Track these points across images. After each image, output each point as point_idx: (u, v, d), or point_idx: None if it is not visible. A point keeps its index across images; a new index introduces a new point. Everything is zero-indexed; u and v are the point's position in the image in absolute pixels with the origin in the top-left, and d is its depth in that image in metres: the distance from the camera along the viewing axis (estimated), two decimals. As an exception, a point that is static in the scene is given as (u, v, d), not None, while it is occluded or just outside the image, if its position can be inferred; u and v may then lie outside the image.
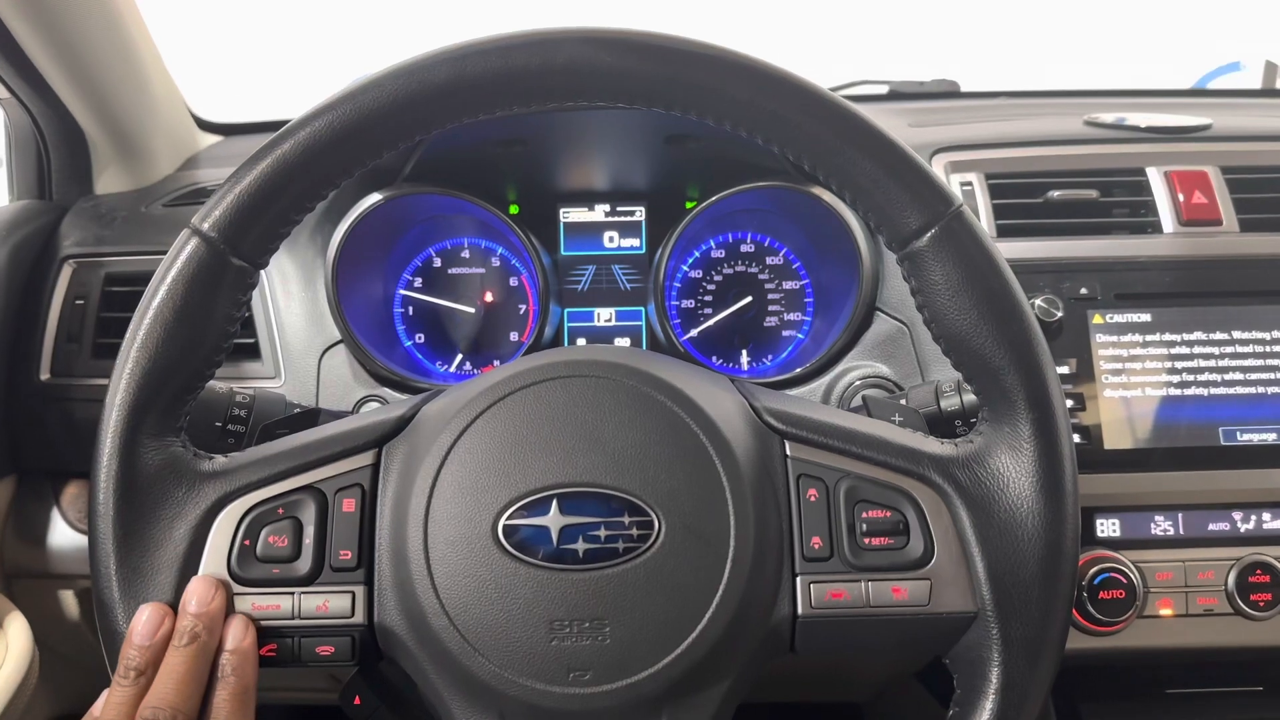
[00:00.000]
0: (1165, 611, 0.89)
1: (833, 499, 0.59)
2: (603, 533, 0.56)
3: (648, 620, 0.55)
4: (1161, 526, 0.90)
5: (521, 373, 0.60)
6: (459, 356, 1.09)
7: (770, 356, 1.09)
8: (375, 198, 0.98)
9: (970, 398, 0.76)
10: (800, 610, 0.58)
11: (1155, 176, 0.98)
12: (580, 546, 0.56)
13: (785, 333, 1.09)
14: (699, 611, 0.56)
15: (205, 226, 0.57)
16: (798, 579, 0.58)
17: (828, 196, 0.97)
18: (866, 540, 0.59)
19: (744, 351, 1.09)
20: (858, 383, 0.94)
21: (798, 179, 0.98)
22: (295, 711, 1.41)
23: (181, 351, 0.58)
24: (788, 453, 0.60)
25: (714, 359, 1.09)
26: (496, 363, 1.09)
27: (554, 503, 0.56)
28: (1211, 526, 0.90)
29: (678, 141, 1.00)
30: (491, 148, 1.00)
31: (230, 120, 1.37)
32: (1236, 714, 1.00)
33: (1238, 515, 0.90)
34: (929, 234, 0.57)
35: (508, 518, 0.56)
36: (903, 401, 0.76)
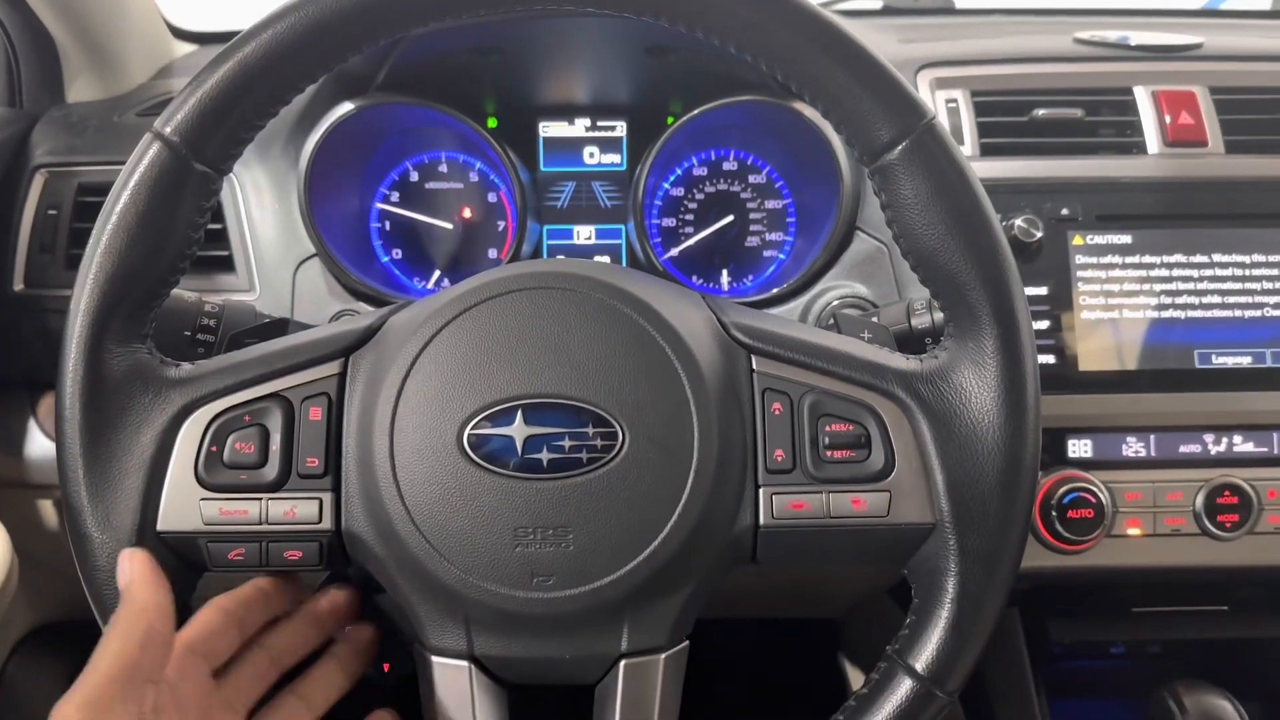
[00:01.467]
0: (1133, 531, 0.90)
1: (796, 412, 0.59)
2: (567, 443, 0.56)
3: (610, 528, 0.56)
4: (1134, 448, 0.91)
5: (488, 284, 0.59)
6: (437, 273, 1.08)
7: (751, 276, 1.08)
8: (347, 107, 0.96)
9: (940, 315, 0.76)
10: (762, 520, 0.59)
11: (1142, 96, 0.97)
12: (545, 456, 0.56)
13: (767, 253, 1.08)
14: (661, 520, 0.56)
15: (167, 131, 0.56)
16: (760, 490, 0.59)
17: (809, 112, 0.96)
18: (828, 453, 0.59)
19: (725, 271, 1.08)
20: (835, 302, 0.93)
21: (780, 94, 0.97)
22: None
23: (145, 257, 0.57)
24: (754, 367, 0.60)
25: (694, 278, 1.08)
26: (475, 279, 1.08)
27: (519, 413, 0.57)
28: (1183, 448, 0.91)
29: (658, 53, 0.98)
30: (466, 56, 0.98)
31: (206, 29, 1.34)
32: (1200, 632, 1.02)
33: (1209, 437, 0.91)
34: (900, 146, 0.57)
35: (473, 427, 0.57)
36: (874, 319, 0.76)
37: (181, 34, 1.29)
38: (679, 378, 0.57)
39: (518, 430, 0.56)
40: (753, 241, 1.08)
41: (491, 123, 1.05)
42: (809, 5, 0.56)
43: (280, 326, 0.72)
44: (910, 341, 0.76)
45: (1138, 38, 1.02)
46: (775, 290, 0.98)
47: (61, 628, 1.17)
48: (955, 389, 0.58)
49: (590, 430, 0.56)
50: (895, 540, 0.59)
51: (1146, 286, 0.92)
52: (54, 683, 1.15)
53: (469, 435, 0.57)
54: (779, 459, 0.59)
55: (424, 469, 0.57)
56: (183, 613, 0.59)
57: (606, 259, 1.09)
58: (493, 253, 1.08)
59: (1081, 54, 1.02)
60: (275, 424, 0.59)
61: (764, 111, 0.99)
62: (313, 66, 0.58)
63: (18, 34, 1.06)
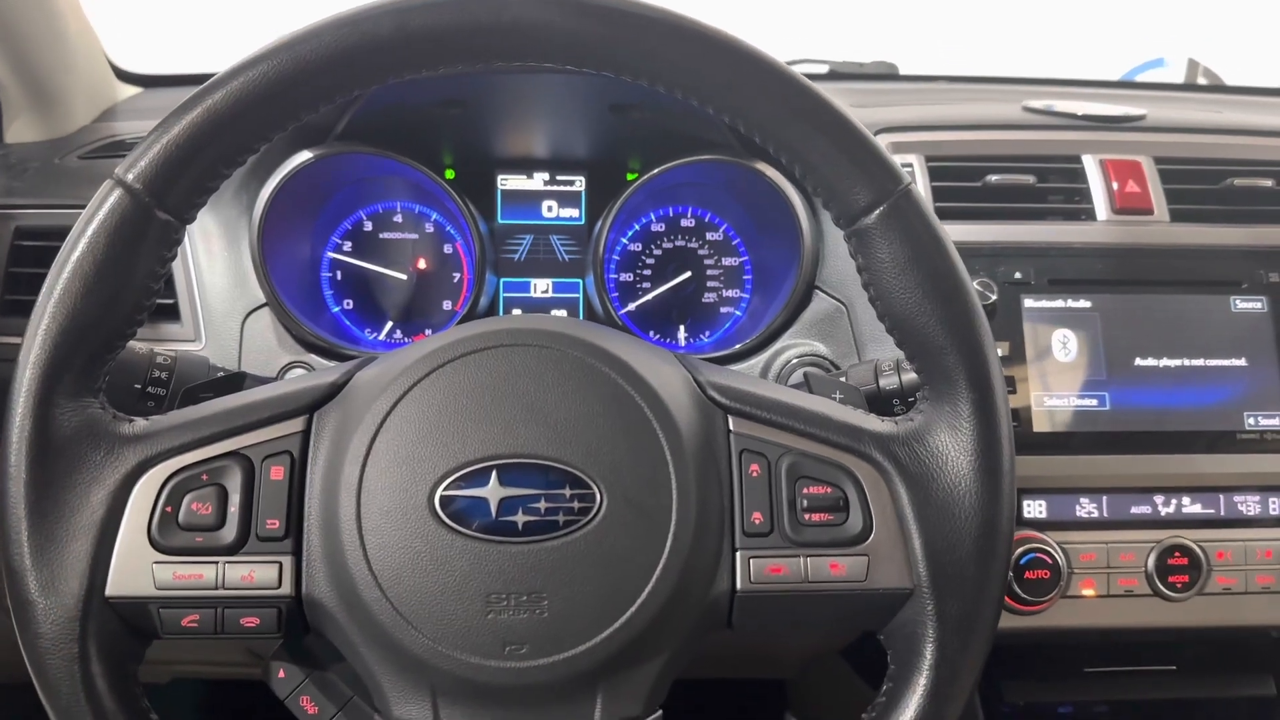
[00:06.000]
0: (1088, 592, 0.91)
1: (774, 474, 0.59)
2: (543, 505, 0.55)
3: (586, 594, 0.54)
4: (1086, 508, 0.92)
5: (461, 340, 0.58)
6: (389, 324, 1.06)
7: (708, 333, 1.08)
8: (305, 155, 0.94)
9: (909, 377, 0.76)
10: (739, 585, 0.58)
11: (1091, 164, 0.99)
12: (520, 519, 0.54)
13: (723, 309, 1.09)
14: (638, 586, 0.55)
15: (130, 177, 0.54)
16: (737, 554, 0.58)
17: (770, 172, 0.97)
18: (807, 516, 0.58)
19: (681, 327, 1.08)
20: (794, 360, 0.94)
21: (741, 154, 0.97)
22: (214, 685, 1.37)
23: (101, 308, 0.55)
24: (731, 428, 0.60)
25: (651, 334, 1.07)
26: (428, 331, 1.06)
27: (493, 473, 0.55)
28: (1134, 509, 0.92)
29: (621, 110, 0.98)
30: (428, 108, 0.97)
31: (151, 72, 1.31)
32: (1150, 692, 1.03)
33: (1159, 499, 0.93)
34: (877, 211, 0.57)
35: (445, 488, 0.55)
36: (843, 379, 0.76)
37: (126, 76, 1.27)
38: (657, 438, 0.56)
39: (492, 491, 0.55)
40: (709, 298, 1.08)
41: (450, 174, 1.04)
42: (787, 69, 0.57)
43: (236, 381, 0.69)
44: (877, 402, 0.76)
45: (1084, 108, 1.06)
46: (735, 347, 0.98)
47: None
48: (931, 452, 0.58)
49: (567, 491, 0.55)
50: (872, 605, 0.58)
51: (1096, 350, 0.94)
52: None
53: (440, 496, 0.55)
54: (757, 522, 0.58)
55: (392, 532, 0.55)
56: (126, 683, 0.56)
57: (564, 313, 1.08)
58: (447, 304, 1.07)
59: (1032, 122, 1.05)
60: (234, 484, 0.57)
61: (724, 170, 0.99)
62: (283, 117, 0.56)
63: (-43, 73, 1.03)
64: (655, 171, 0.98)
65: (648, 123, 1.00)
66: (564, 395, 0.57)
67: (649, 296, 1.07)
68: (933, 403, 0.59)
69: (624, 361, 0.58)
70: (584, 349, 0.58)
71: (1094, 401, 0.93)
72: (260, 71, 0.54)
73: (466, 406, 0.56)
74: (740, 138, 0.98)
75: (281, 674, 0.63)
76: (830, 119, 0.57)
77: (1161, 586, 0.91)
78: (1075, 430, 0.92)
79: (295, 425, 0.58)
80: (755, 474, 0.59)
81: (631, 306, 1.07)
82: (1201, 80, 1.64)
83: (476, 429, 0.56)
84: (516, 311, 1.07)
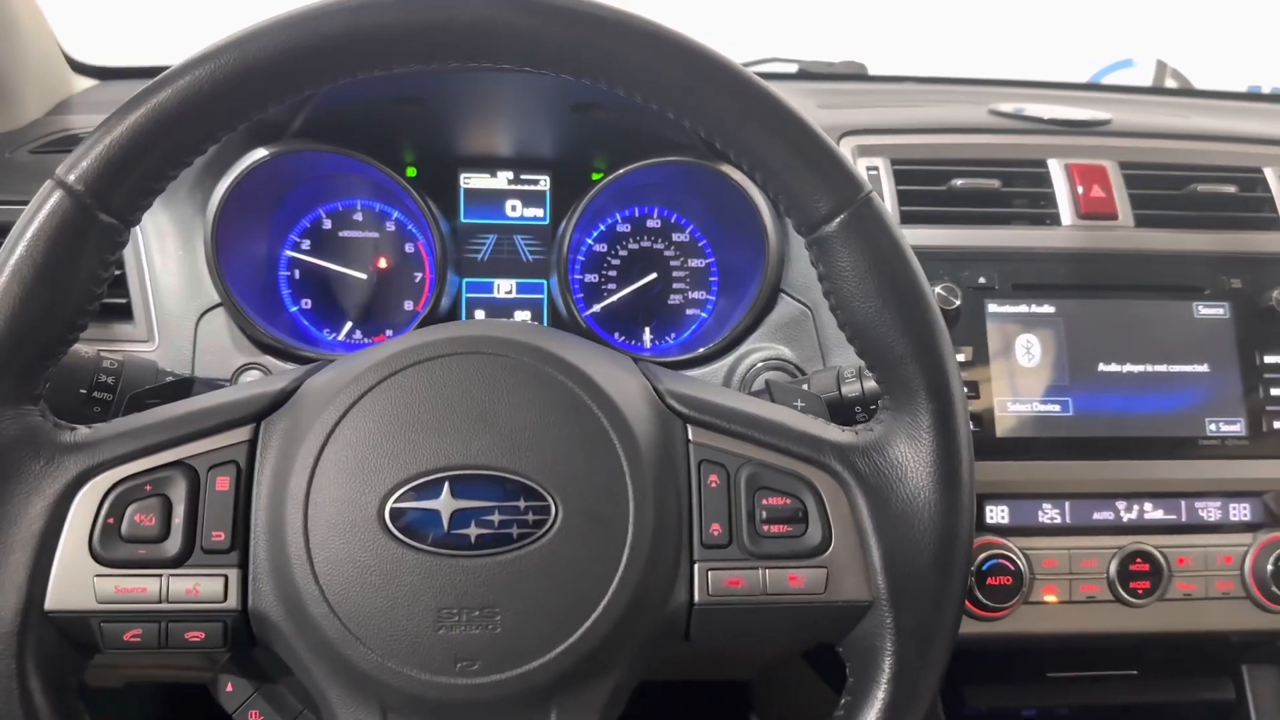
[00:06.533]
0: (1050, 598, 0.91)
1: (733, 485, 0.58)
2: (496, 517, 0.54)
3: (541, 609, 0.53)
4: (1049, 514, 0.92)
5: (414, 348, 0.57)
6: (349, 325, 1.04)
7: (673, 335, 1.07)
8: (260, 153, 0.92)
9: (871, 384, 0.75)
10: (697, 598, 0.57)
11: (1056, 169, 0.99)
12: (472, 532, 0.53)
13: (689, 311, 1.08)
14: (594, 600, 0.54)
15: (71, 179, 0.52)
16: (695, 566, 0.57)
17: (736, 175, 0.96)
18: (765, 528, 0.57)
19: (647, 329, 1.07)
20: (759, 364, 0.93)
21: (706, 155, 0.96)
22: (165, 690, 1.35)
23: (41, 313, 0.53)
24: (690, 437, 0.59)
25: (616, 335, 1.06)
26: (389, 332, 1.04)
27: (445, 485, 0.54)
28: (1096, 515, 0.92)
29: (584, 109, 0.97)
30: (387, 105, 0.96)
31: (107, 64, 1.28)
32: (1112, 697, 1.03)
33: (1121, 505, 0.93)
34: (838, 219, 0.56)
35: (395, 500, 0.53)
36: (804, 386, 0.75)
37: (80, 68, 1.24)
38: (614, 448, 0.55)
39: (444, 504, 0.53)
40: (675, 300, 1.07)
41: (411, 172, 1.03)
42: (747, 74, 0.56)
43: (185, 386, 0.68)
44: (840, 409, 0.76)
45: (1050, 111, 1.06)
46: (700, 350, 0.97)
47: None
48: (891, 463, 0.58)
49: (522, 504, 0.54)
50: (831, 618, 0.58)
51: (1059, 355, 0.93)
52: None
53: (390, 508, 0.53)
54: (715, 533, 0.57)
55: (340, 544, 0.53)
56: (66, 698, 0.54)
57: (528, 314, 1.07)
58: (408, 304, 1.05)
59: (998, 125, 1.04)
60: (179, 494, 0.55)
61: (689, 172, 0.98)
62: (231, 116, 0.54)
63: (-99, 62, 0.99)
64: (620, 172, 0.97)
65: (612, 122, 0.99)
66: (519, 404, 0.55)
67: (614, 298, 1.06)
68: (893, 413, 0.59)
69: (580, 369, 0.57)
70: (539, 356, 0.57)
71: (1057, 407, 0.93)
72: (207, 70, 0.53)
73: (418, 416, 0.55)
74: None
75: (230, 688, 0.62)
76: (790, 124, 0.56)
77: (1123, 592, 0.91)
78: (1038, 435, 0.92)
79: (241, 434, 0.57)
80: (714, 485, 0.58)
81: (597, 308, 1.06)
82: (1170, 83, 1.65)
83: (428, 439, 0.54)
84: (479, 312, 1.06)
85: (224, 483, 0.56)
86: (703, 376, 0.95)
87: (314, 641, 0.54)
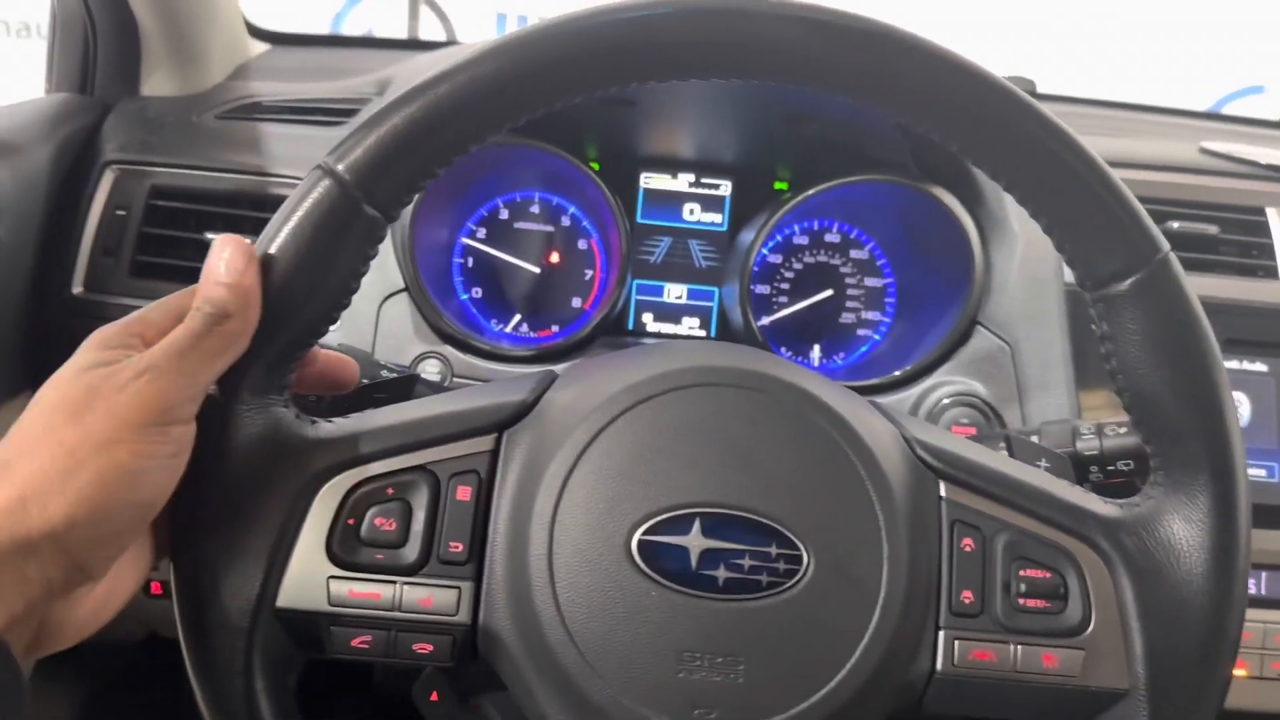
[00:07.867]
0: (1240, 672, 0.86)
1: (989, 551, 0.54)
2: (747, 562, 0.51)
3: (786, 662, 0.50)
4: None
5: (669, 373, 0.54)
6: (517, 317, 1.02)
7: (842, 355, 1.04)
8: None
9: (1111, 443, 0.71)
10: (940, 667, 0.53)
11: (1275, 218, 0.93)
12: (721, 574, 0.51)
13: (860, 331, 1.04)
14: (840, 659, 0.51)
15: (340, 167, 0.50)
16: (940, 633, 0.54)
17: (947, 199, 0.91)
18: (1022, 600, 0.54)
19: (816, 347, 1.04)
20: (947, 400, 0.89)
21: (918, 177, 0.92)
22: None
23: (300, 301, 0.51)
24: (942, 494, 0.55)
25: (784, 351, 1.03)
26: (555, 327, 1.03)
27: (696, 522, 0.51)
28: (1293, 589, 0.87)
29: (795, 122, 0.93)
30: (597, 105, 0.93)
31: (277, 29, 1.28)
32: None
33: (1323, 581, 0.87)
34: (1131, 279, 0.52)
35: (644, 532, 0.51)
36: (1034, 438, 0.71)
37: (257, 32, 1.23)
38: (870, 499, 0.52)
39: (694, 541, 0.51)
40: (848, 319, 1.04)
41: (594, 167, 1.00)
42: (1049, 117, 0.52)
43: (409, 384, 0.66)
44: (1073, 467, 0.71)
45: (1267, 156, 1.00)
46: (879, 377, 0.93)
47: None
48: (1162, 544, 0.54)
49: (774, 550, 0.51)
50: (1081, 704, 0.54)
51: (1270, 418, 0.88)
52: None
53: (639, 540, 0.51)
54: (966, 601, 0.54)
55: (585, 572, 0.51)
56: (285, 699, 0.53)
57: (696, 321, 1.04)
58: (576, 301, 1.03)
59: (1210, 166, 0.99)
60: (420, 500, 0.53)
61: (894, 192, 0.94)
62: (506, 115, 0.52)
63: (101, 13, 0.99)
64: (824, 185, 0.92)
65: (814, 135, 0.95)
66: (776, 446, 0.53)
67: (785, 311, 1.03)
68: (1167, 489, 0.55)
69: (838, 413, 0.54)
70: (799, 396, 0.54)
71: (1263, 472, 0.88)
72: (489, 69, 0.50)
73: (671, 447, 0.52)
74: (920, 161, 0.93)
75: (434, 697, 0.60)
76: (1089, 171, 0.52)
77: (1318, 674, 0.86)
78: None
79: (484, 444, 0.55)
80: (968, 549, 0.54)
81: (766, 321, 1.03)
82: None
83: (681, 472, 0.52)
84: (648, 316, 1.04)
85: (465, 492, 0.54)
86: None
87: (546, 668, 0.52)
